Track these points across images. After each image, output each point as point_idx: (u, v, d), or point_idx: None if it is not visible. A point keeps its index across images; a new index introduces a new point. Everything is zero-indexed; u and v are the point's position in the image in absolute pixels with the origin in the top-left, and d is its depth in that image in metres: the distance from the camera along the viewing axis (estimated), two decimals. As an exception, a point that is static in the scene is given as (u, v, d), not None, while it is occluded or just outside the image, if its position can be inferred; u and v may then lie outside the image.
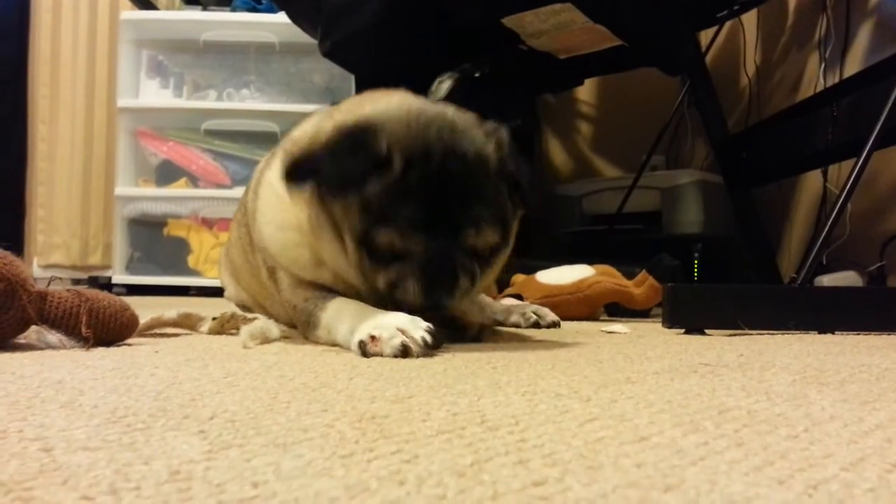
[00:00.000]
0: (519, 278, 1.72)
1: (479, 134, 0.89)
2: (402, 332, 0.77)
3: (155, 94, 3.13)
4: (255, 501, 0.29)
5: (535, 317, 1.29)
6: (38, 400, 0.50)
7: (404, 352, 0.76)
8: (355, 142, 0.83)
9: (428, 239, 0.83)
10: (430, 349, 0.77)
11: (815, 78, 2.42)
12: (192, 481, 0.31)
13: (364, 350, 0.78)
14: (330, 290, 0.94)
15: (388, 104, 0.90)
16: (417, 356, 0.76)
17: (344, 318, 0.87)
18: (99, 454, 0.36)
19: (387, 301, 0.87)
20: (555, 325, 1.28)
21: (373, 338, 0.78)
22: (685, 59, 2.15)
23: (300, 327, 0.97)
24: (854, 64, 2.30)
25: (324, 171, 0.83)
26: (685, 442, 0.40)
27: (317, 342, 0.92)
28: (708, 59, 2.42)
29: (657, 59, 2.06)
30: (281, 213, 0.95)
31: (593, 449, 0.38)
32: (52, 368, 0.65)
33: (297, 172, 0.85)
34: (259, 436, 0.40)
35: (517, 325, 1.28)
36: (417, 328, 0.78)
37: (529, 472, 0.34)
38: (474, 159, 0.85)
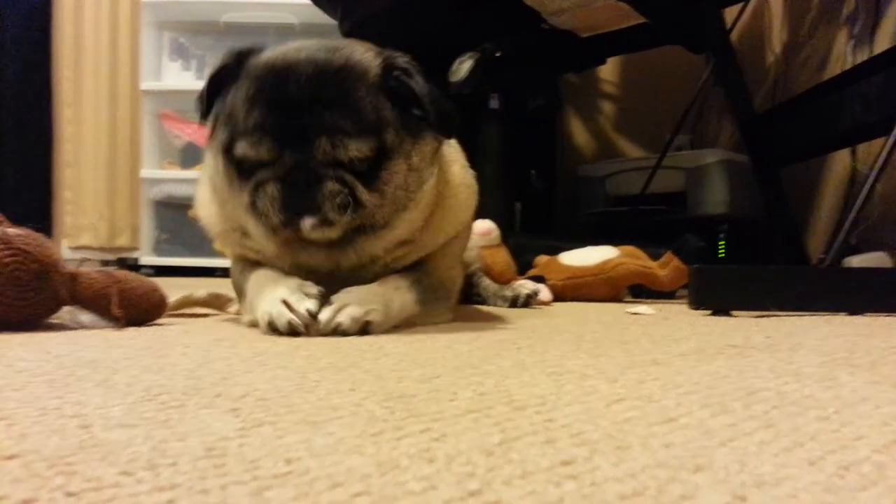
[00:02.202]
0: (542, 260, 1.71)
1: (361, 51, 0.86)
2: (287, 305, 0.78)
3: (177, 77, 3.15)
4: (290, 477, 0.29)
5: (510, 294, 1.38)
6: (73, 378, 0.51)
7: (294, 331, 0.76)
8: (227, 54, 0.89)
9: (282, 146, 0.79)
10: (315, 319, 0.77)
11: (843, 55, 2.37)
12: (227, 457, 0.32)
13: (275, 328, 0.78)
14: (256, 264, 0.92)
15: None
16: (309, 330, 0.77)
17: (257, 289, 0.86)
18: (136, 431, 0.36)
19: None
20: (532, 296, 1.37)
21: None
22: (710, 37, 2.11)
23: (240, 306, 0.97)
24: (884, 40, 2.24)
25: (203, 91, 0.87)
26: (714, 423, 0.40)
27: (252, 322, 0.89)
28: (733, 36, 2.37)
29: (681, 36, 2.03)
30: (205, 179, 0.95)
31: (621, 429, 0.38)
32: (85, 348, 0.66)
33: (198, 102, 0.89)
34: (290, 413, 0.41)
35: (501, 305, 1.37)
36: (301, 298, 0.79)
37: (558, 451, 0.34)
38: (340, 70, 0.82)
